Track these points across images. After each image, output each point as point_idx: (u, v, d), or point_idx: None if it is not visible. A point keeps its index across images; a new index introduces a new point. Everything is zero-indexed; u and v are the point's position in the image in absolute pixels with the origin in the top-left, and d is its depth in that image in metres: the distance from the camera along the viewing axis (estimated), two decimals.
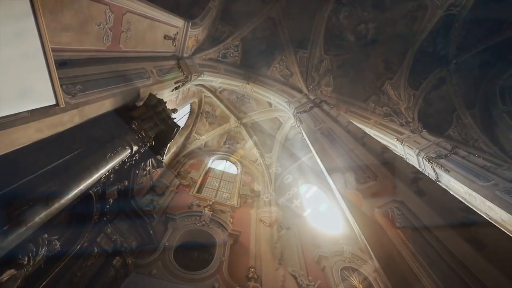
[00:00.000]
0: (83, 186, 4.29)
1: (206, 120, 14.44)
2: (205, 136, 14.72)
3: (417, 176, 4.51)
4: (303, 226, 11.78)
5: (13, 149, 3.72)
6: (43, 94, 3.85)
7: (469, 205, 4.78)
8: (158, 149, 6.97)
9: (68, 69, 4.64)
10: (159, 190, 10.65)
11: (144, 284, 7.44)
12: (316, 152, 7.00)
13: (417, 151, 9.56)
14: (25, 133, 3.73)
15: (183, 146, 14.14)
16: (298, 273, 9.08)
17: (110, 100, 5.44)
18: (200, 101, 13.92)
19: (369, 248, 4.02)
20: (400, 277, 3.35)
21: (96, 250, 6.28)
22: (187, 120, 14.28)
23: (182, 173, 12.47)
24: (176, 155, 13.55)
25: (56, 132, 4.36)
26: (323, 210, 13.79)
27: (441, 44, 11.15)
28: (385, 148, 5.58)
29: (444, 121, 11.81)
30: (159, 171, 11.12)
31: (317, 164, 14.63)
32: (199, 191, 12.03)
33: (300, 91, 11.03)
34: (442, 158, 8.96)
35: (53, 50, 3.71)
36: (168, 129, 6.70)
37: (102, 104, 5.24)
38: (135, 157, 6.04)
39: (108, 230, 6.68)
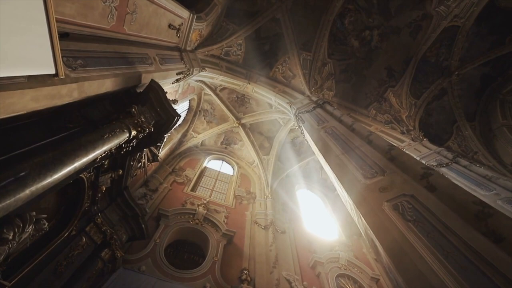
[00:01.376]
0: (77, 164, 4.03)
1: (204, 119, 14.24)
2: (202, 134, 14.50)
3: (427, 172, 4.35)
4: (298, 231, 11.53)
5: (8, 115, 3.49)
6: (42, 62, 3.65)
7: None
8: (156, 138, 6.73)
9: (69, 42, 4.45)
10: (153, 186, 10.34)
11: (132, 280, 7.09)
12: (319, 150, 6.82)
13: (418, 159, 9.46)
14: (20, 100, 3.51)
15: (179, 143, 13.87)
16: (293, 278, 8.79)
17: (111, 80, 5.24)
18: (199, 99, 13.74)
19: (377, 242, 3.81)
20: (414, 270, 3.14)
21: (84, 240, 5.97)
22: (185, 117, 14.06)
23: (177, 170, 12.17)
24: (172, 151, 13.24)
25: (53, 105, 4.14)
26: (319, 215, 13.59)
27: (444, 55, 11.20)
28: (392, 146, 5.43)
29: (444, 132, 11.80)
30: (153, 166, 10.85)
31: (315, 170, 14.70)
32: (193, 189, 11.72)
33: (302, 93, 10.94)
34: (443, 166, 8.89)
35: (56, 20, 3.52)
36: (168, 117, 6.47)
37: (103, 83, 5.03)
38: (133, 143, 5.81)
39: (98, 220, 6.36)
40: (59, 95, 4.12)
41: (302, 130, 8.95)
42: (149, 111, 6.16)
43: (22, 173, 3.17)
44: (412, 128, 11.05)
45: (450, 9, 10.08)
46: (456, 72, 11.30)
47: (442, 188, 3.95)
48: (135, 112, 5.59)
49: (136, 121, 5.60)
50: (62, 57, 3.81)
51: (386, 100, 11.85)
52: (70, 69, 4.29)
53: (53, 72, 3.81)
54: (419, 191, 4.06)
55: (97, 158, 4.66)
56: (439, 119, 11.88)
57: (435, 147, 9.84)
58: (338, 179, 5.36)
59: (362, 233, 4.70)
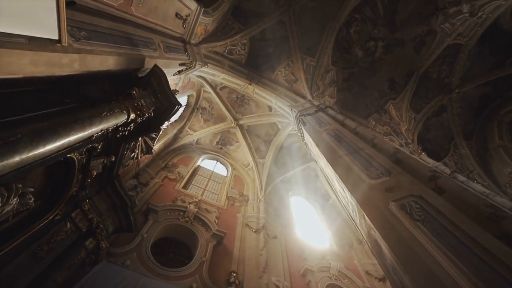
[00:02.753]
0: (72, 138, 3.84)
1: (202, 117, 14.03)
2: (198, 132, 14.25)
3: (435, 175, 4.24)
4: (290, 237, 11.27)
5: (4, 77, 3.28)
6: (46, 25, 3.48)
7: None
8: (154, 126, 6.52)
9: (75, 11, 4.26)
10: (144, 179, 10.02)
11: (115, 274, 6.73)
12: (321, 151, 6.68)
13: None
14: (18, 61, 3.31)
15: (174, 139, 13.60)
16: (283, 284, 8.51)
17: (114, 58, 5.05)
18: (198, 96, 13.56)
19: (381, 242, 3.65)
20: (423, 269, 2.98)
21: (68, 226, 5.62)
22: (182, 113, 13.83)
23: (170, 166, 11.87)
24: (166, 147, 12.94)
25: (52, 73, 3.94)
26: (312, 223, 13.38)
27: (446, 72, 11.32)
28: (398, 149, 5.32)
29: (441, 149, 11.83)
30: (146, 159, 10.55)
31: (310, 177, 14.52)
32: (185, 187, 11.41)
33: (304, 97, 10.84)
34: None
35: None
36: (168, 104, 6.26)
37: (105, 59, 4.84)
38: (130, 127, 5.57)
39: (86, 206, 6.03)
40: (60, 63, 3.92)
41: (303, 132, 8.81)
42: (149, 96, 5.95)
43: (14, 138, 2.96)
44: (410, 142, 11.05)
45: (455, 27, 10.22)
46: (457, 90, 11.42)
47: (451, 191, 3.85)
48: (135, 94, 5.40)
49: (136, 104, 5.41)
50: (66, 25, 3.64)
51: (387, 112, 11.86)
52: (73, 39, 4.11)
53: (56, 37, 3.63)
54: (427, 193, 3.93)
55: (92, 135, 4.45)
56: (437, 135, 11.93)
57: (433, 161, 9.77)
58: (341, 179, 5.21)
59: (364, 235, 4.53)
